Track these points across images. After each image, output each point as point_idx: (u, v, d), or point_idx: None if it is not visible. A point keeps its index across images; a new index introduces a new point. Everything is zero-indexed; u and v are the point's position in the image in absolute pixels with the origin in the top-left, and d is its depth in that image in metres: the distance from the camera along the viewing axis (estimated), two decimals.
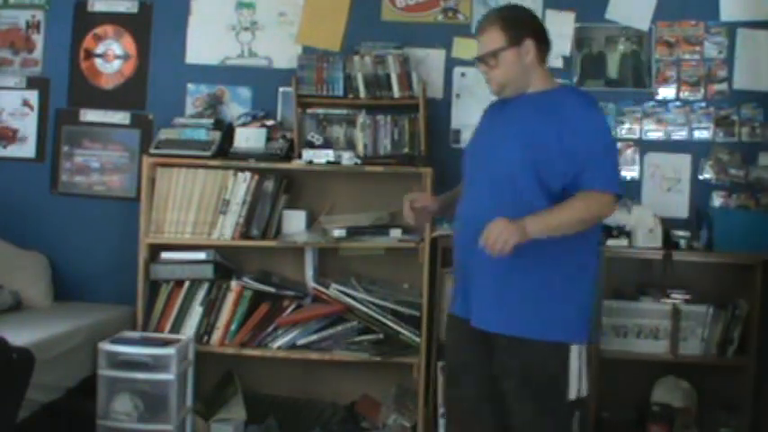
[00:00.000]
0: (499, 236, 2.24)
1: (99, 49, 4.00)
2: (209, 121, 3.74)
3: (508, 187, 2.39)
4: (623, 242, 3.50)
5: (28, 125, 4.02)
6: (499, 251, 2.25)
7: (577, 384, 2.41)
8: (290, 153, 3.68)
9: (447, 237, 3.51)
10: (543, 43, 2.50)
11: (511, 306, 2.41)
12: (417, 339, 3.51)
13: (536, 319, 2.38)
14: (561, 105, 2.42)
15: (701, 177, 3.78)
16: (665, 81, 3.80)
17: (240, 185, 3.63)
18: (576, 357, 2.40)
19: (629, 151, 3.81)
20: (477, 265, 2.43)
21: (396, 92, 3.69)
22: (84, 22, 4.00)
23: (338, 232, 3.55)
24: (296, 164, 3.62)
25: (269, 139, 3.69)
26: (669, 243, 3.52)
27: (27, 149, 4.02)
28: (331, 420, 3.69)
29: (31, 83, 4.02)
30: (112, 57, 4.00)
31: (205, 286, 3.65)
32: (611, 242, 3.50)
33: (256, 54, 3.94)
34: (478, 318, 2.46)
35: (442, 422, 3.53)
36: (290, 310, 3.63)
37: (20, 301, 3.68)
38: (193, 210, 3.64)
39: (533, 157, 2.36)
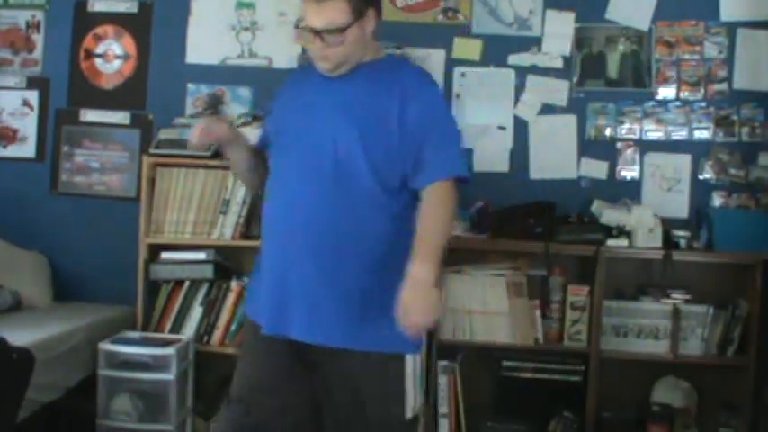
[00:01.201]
0: (421, 313, 1.99)
1: (99, 49, 4.00)
2: None
3: (341, 173, 2.10)
4: (623, 242, 3.50)
5: (28, 125, 4.02)
6: (424, 326, 2.03)
7: (413, 401, 2.18)
8: None
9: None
10: (379, 10, 2.22)
11: (351, 318, 2.12)
12: None
13: (377, 331, 2.11)
14: (401, 78, 2.17)
15: (701, 177, 3.78)
16: (665, 81, 3.80)
17: (240, 185, 3.63)
18: (412, 370, 2.18)
19: (629, 151, 3.81)
20: (303, 274, 2.12)
21: None
22: (84, 22, 4.00)
23: None
24: None
25: None
26: (669, 243, 3.52)
27: (27, 149, 4.02)
28: None
29: (31, 83, 4.02)
30: (112, 57, 4.00)
31: (205, 286, 3.65)
32: (611, 242, 3.50)
33: (256, 54, 3.94)
34: (310, 332, 2.13)
35: (442, 422, 3.53)
36: None
37: (20, 301, 3.67)
38: (193, 210, 3.64)
39: (374, 136, 2.10)
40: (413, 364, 2.18)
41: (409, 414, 2.16)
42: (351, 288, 2.12)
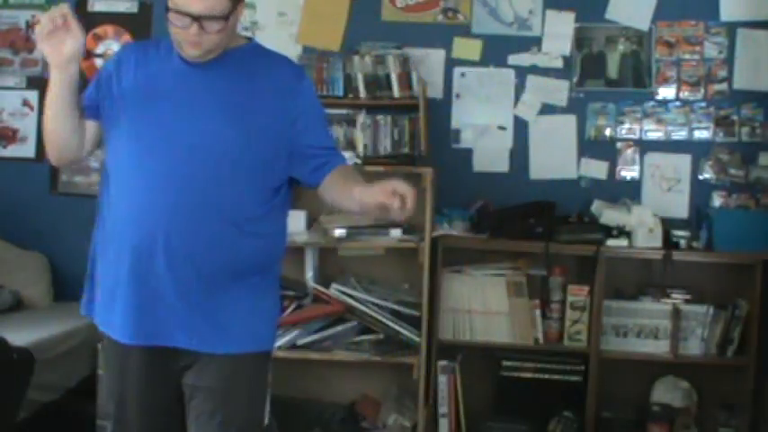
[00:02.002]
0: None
1: (99, 49, 4.00)
2: None
3: (224, 175, 1.93)
4: (623, 242, 3.50)
5: (28, 125, 4.02)
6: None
7: (269, 406, 2.09)
8: None
9: (448, 237, 3.52)
10: None
11: (226, 320, 1.99)
12: (417, 339, 3.50)
13: (249, 330, 2.02)
14: (276, 68, 2.06)
15: (700, 177, 3.78)
16: (665, 81, 3.80)
17: None
18: (271, 370, 2.10)
19: (629, 151, 3.81)
20: (169, 277, 1.94)
21: (396, 92, 3.69)
22: (84, 22, 3.92)
23: (338, 232, 3.55)
24: None
25: None
26: (669, 243, 3.52)
27: (27, 149, 4.02)
28: (331, 420, 3.69)
29: (31, 83, 4.02)
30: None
31: None
32: (611, 242, 3.50)
33: None
34: (178, 336, 1.98)
35: (442, 422, 3.53)
36: (290, 310, 3.62)
37: (20, 301, 3.68)
38: None
39: (259, 134, 1.96)
40: (271, 365, 2.10)
41: (266, 420, 2.08)
42: (224, 292, 1.99)
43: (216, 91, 1.95)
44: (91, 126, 2.04)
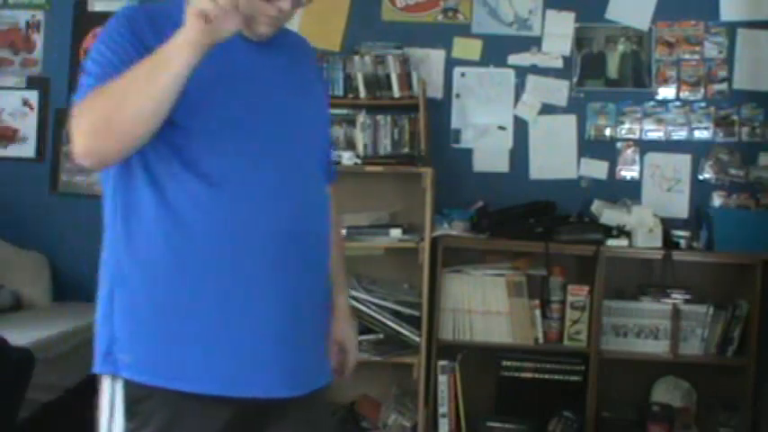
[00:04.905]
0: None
1: None
2: None
3: (309, 162, 1.69)
4: (623, 242, 3.50)
5: (28, 125, 4.02)
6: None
7: None
8: None
9: (448, 237, 3.52)
10: None
11: (324, 348, 1.73)
12: (417, 339, 3.50)
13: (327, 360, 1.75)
14: (309, 53, 1.87)
15: (700, 177, 3.78)
16: (665, 81, 3.80)
17: None
18: None
19: (629, 151, 3.81)
20: (307, 296, 1.62)
21: (396, 92, 3.69)
22: (84, 21, 4.00)
23: None
24: None
25: None
26: (669, 243, 3.52)
27: (27, 149, 4.02)
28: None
29: (31, 83, 4.02)
30: None
31: None
32: (611, 242, 3.50)
33: None
34: (312, 378, 1.65)
35: (442, 422, 3.53)
36: None
37: (20, 301, 3.68)
38: None
39: (323, 117, 1.82)
40: None
41: None
42: (324, 310, 1.73)
43: (283, 70, 1.70)
44: None
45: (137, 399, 1.58)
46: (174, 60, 1.42)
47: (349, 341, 1.84)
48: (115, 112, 1.44)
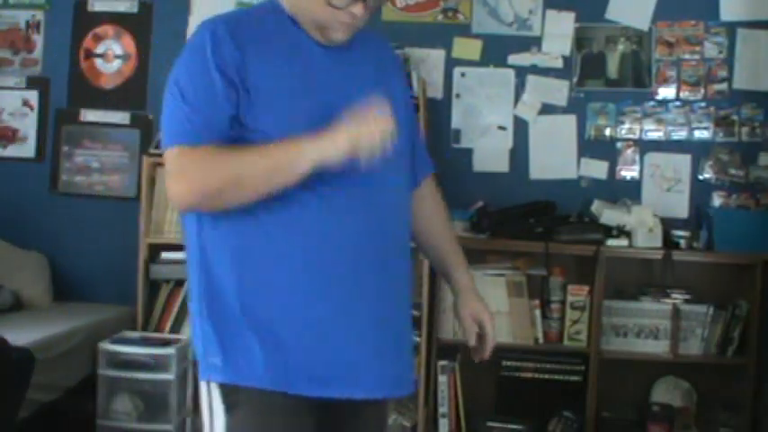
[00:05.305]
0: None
1: (99, 49, 4.00)
2: None
3: (402, 170, 1.71)
4: (623, 242, 3.50)
5: (28, 125, 4.02)
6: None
7: None
8: None
9: None
10: None
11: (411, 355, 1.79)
12: (417, 339, 3.50)
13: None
14: (389, 52, 1.85)
15: (700, 177, 3.78)
16: (665, 81, 3.80)
17: None
18: None
19: (629, 151, 3.81)
20: (395, 298, 1.66)
21: None
22: (84, 21, 4.00)
23: None
24: None
25: None
26: (669, 243, 3.52)
27: (27, 149, 4.02)
28: None
29: (31, 83, 4.02)
30: (112, 57, 4.00)
31: None
32: (611, 242, 3.50)
33: None
34: (403, 383, 1.69)
35: (442, 422, 3.53)
36: None
37: (20, 301, 3.68)
38: None
39: (408, 120, 1.78)
40: None
41: None
42: (409, 318, 1.77)
43: (364, 75, 1.68)
44: None
45: (234, 403, 1.59)
46: (296, 170, 1.49)
47: (485, 319, 1.79)
48: (228, 190, 1.52)
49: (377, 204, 1.61)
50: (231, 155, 1.52)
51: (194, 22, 3.94)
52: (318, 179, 1.52)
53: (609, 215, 3.54)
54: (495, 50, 3.83)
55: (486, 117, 3.85)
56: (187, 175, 1.53)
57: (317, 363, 1.56)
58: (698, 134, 3.79)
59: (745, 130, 3.77)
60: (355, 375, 1.59)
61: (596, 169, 3.81)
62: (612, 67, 3.82)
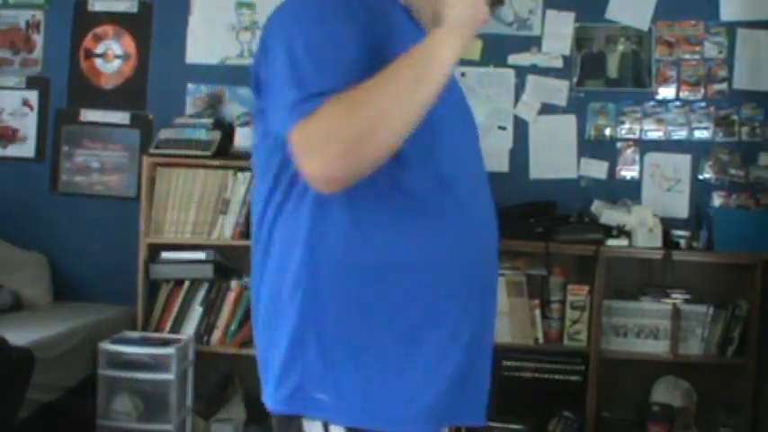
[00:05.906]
0: None
1: (99, 49, 4.00)
2: (209, 121, 3.74)
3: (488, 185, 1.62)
4: (623, 242, 3.50)
5: (28, 125, 4.02)
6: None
7: None
8: None
9: None
10: None
11: None
12: None
13: None
14: None
15: (700, 177, 3.78)
16: (665, 81, 3.80)
17: (240, 185, 3.63)
18: None
19: (629, 151, 3.81)
20: (490, 323, 1.53)
21: None
22: (84, 21, 4.00)
23: None
24: None
25: None
26: (669, 243, 3.52)
27: (27, 149, 4.01)
28: None
29: (31, 83, 4.02)
30: (112, 57, 4.00)
31: (205, 286, 3.65)
32: (611, 242, 3.50)
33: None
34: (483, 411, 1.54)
35: None
36: None
37: (20, 300, 3.68)
38: (193, 210, 3.64)
39: None
40: None
41: None
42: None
43: (456, 85, 1.63)
44: None
45: None
46: (441, 68, 1.31)
47: None
48: (377, 129, 1.24)
49: (487, 221, 1.51)
50: (351, 93, 1.25)
51: (194, 21, 3.94)
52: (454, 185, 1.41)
53: (609, 215, 3.54)
54: (495, 50, 3.83)
55: (486, 117, 3.85)
56: (321, 145, 1.27)
57: (459, 400, 1.43)
58: (698, 134, 3.79)
59: (745, 130, 3.77)
60: (463, 404, 1.45)
61: (596, 169, 3.81)
62: (612, 67, 3.82)
